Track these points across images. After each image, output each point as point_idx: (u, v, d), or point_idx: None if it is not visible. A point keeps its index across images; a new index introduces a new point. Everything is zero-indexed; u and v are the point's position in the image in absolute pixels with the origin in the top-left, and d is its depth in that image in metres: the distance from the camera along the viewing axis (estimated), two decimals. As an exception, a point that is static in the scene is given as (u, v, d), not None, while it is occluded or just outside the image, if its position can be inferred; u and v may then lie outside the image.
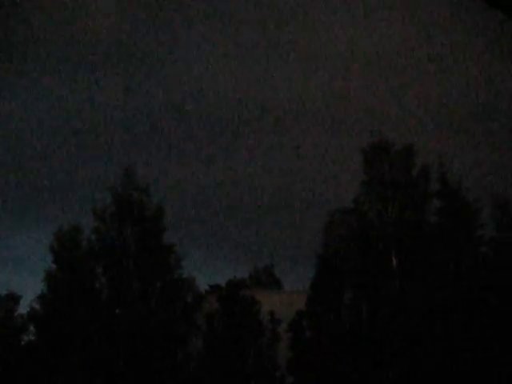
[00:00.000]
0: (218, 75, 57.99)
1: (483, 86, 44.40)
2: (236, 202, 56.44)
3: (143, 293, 37.90)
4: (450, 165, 37.29)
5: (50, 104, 56.21)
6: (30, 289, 44.80)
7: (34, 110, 55.64)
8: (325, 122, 54.50)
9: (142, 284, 38.11)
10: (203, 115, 56.67)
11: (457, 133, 44.87)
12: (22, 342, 39.12)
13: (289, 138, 55.91)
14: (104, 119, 53.91)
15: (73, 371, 35.65)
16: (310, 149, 54.34)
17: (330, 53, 55.45)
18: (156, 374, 36.24)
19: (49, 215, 50.02)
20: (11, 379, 36.33)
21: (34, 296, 38.28)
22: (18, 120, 54.95)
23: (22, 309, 39.35)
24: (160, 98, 57.50)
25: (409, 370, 33.14)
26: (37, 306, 38.20)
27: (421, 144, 39.17)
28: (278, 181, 55.64)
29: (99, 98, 56.69)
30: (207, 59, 57.84)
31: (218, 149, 57.80)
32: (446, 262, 34.89)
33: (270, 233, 56.18)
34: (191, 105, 56.21)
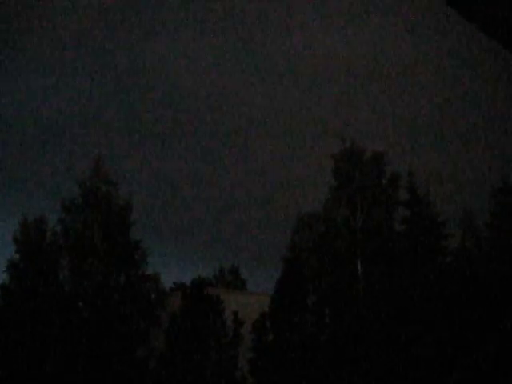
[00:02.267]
0: (194, 73, 57.80)
1: (457, 95, 45.14)
2: (205, 200, 56.32)
3: (106, 287, 37.54)
4: (419, 174, 37.83)
5: (16, 92, 55.37)
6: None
7: (2, 94, 54.67)
8: (296, 127, 54.74)
9: (105, 278, 37.74)
10: (176, 110, 56.41)
11: (429, 143, 45.51)
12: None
13: (261, 140, 56.01)
14: (73, 109, 53.28)
15: (31, 363, 35.12)
16: (282, 152, 54.53)
17: (305, 59, 55.75)
18: (115, 369, 35.91)
19: (13, 205, 49.19)
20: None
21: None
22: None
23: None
24: (130, 89, 57.07)
25: (370, 374, 33.44)
26: (-3, 296, 37.57)
27: (392, 153, 39.65)
28: (248, 181, 55.71)
29: (68, 87, 56.02)
30: (183, 53, 57.61)
31: (187, 146, 57.59)
32: (410, 271, 35.31)
33: (237, 233, 56.17)
34: (165, 98, 55.93)
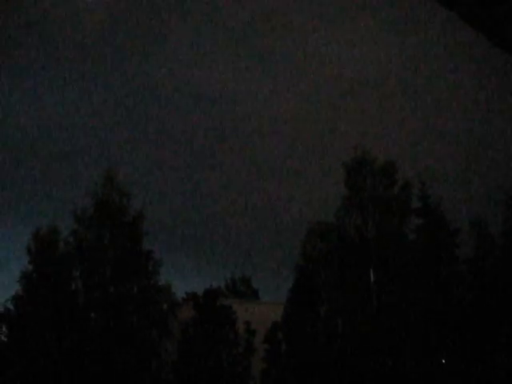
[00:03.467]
0: (204, 85, 58.04)
1: (467, 109, 45.06)
2: (216, 212, 56.36)
3: (119, 298, 37.57)
4: (431, 183, 37.65)
5: (29, 104, 55.79)
6: (3, 288, 44.16)
7: (12, 110, 55.14)
8: (309, 137, 54.78)
9: (118, 288, 37.78)
10: (188, 124, 56.66)
11: (440, 153, 45.39)
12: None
13: (273, 151, 56.06)
14: (86, 120, 53.63)
15: (44, 373, 35.17)
16: (293, 162, 54.54)
17: (318, 73, 55.88)
18: (128, 380, 35.88)
19: (27, 215, 49.51)
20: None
21: (8, 296, 37.84)
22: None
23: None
24: (144, 102, 57.38)
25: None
26: (11, 307, 37.72)
27: (403, 161, 39.54)
28: (260, 190, 55.72)
29: (80, 99, 56.41)
30: (191, 70, 57.90)
31: (200, 158, 57.75)
32: (423, 280, 35.10)
33: (249, 243, 56.14)
34: (177, 113, 56.15)
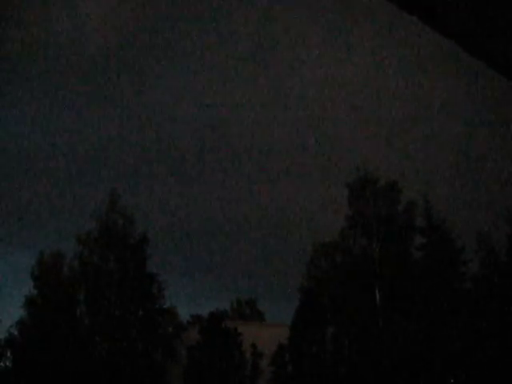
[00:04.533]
0: (202, 107, 58.39)
1: (468, 124, 45.16)
2: (220, 234, 56.32)
3: (124, 321, 37.38)
4: (435, 201, 37.63)
5: (33, 129, 56.13)
6: (8, 314, 44.02)
7: (16, 135, 55.49)
8: (310, 158, 54.93)
9: (123, 312, 37.61)
10: (190, 147, 56.92)
11: (442, 169, 45.40)
12: (-2, 368, 38.25)
13: (275, 172, 56.18)
14: (89, 145, 53.91)
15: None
16: (296, 183, 54.63)
17: (315, 91, 56.20)
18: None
19: (30, 240, 49.53)
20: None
21: (13, 321, 37.67)
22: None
23: (0, 334, 38.62)
24: (145, 126, 57.69)
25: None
26: (15, 332, 37.53)
27: (406, 180, 39.55)
28: (264, 214, 55.71)
29: (84, 124, 56.77)
30: (190, 91, 58.26)
31: (203, 181, 57.89)
32: (429, 298, 34.88)
33: (254, 265, 56.00)
34: (177, 138, 56.40)
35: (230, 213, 55.49)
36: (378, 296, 36.71)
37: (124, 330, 37.11)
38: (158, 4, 55.17)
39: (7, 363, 38.14)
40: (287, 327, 38.12)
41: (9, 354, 37.80)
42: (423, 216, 37.70)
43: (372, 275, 36.90)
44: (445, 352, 32.98)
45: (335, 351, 36.42)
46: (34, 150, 54.50)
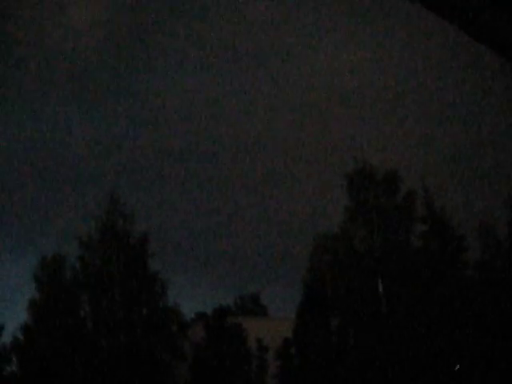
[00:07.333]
0: (200, 103, 58.27)
1: (466, 114, 45.12)
2: (220, 229, 56.27)
3: (128, 321, 37.43)
4: (435, 189, 37.65)
5: (32, 130, 55.97)
6: (12, 318, 43.98)
7: (16, 135, 55.32)
8: (309, 150, 54.83)
9: (127, 312, 37.65)
10: (187, 144, 56.83)
11: (441, 159, 45.37)
12: (4, 373, 38.25)
13: (273, 166, 56.12)
14: (88, 144, 53.76)
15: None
16: (296, 175, 54.54)
17: (313, 83, 56.06)
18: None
19: (33, 243, 49.45)
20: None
21: (17, 325, 37.72)
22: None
23: (5, 338, 38.64)
24: (143, 124, 57.57)
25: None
26: (20, 336, 37.57)
27: (406, 168, 39.51)
28: (263, 207, 55.66)
29: (82, 125, 56.64)
30: (186, 88, 58.13)
31: (202, 176, 57.80)
32: (431, 286, 34.96)
33: (256, 260, 55.99)
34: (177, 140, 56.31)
35: (230, 207, 55.47)
36: (380, 286, 36.80)
37: (128, 330, 37.14)
38: None
39: (13, 368, 38.24)
40: (291, 321, 38.18)
41: (14, 359, 37.88)
42: (423, 205, 37.77)
43: (374, 265, 36.98)
44: (448, 339, 33.05)
45: (340, 342, 36.51)
46: (32, 151, 54.41)
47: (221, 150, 55.20)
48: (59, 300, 37.40)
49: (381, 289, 36.54)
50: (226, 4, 53.61)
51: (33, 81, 51.80)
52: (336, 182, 40.66)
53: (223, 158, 55.47)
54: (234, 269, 54.85)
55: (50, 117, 54.48)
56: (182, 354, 37.66)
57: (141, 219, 39.92)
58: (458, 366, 33.28)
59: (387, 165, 39.16)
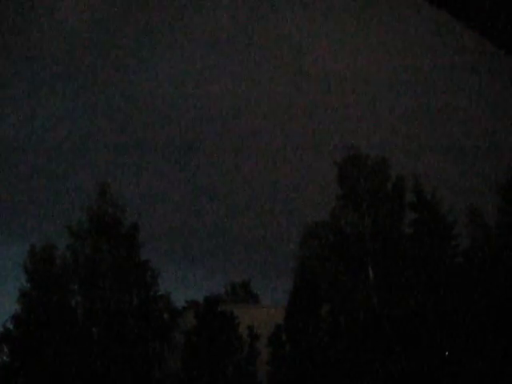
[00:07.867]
0: (194, 88, 58.02)
1: (457, 100, 45.24)
2: (210, 218, 56.30)
3: (119, 310, 37.42)
4: (425, 176, 37.76)
5: (21, 118, 55.64)
6: (3, 308, 43.92)
7: (5, 124, 54.98)
8: (299, 137, 54.85)
9: (118, 301, 37.64)
10: (180, 131, 56.66)
11: (432, 144, 45.52)
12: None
13: (264, 151, 56.08)
14: (77, 134, 53.52)
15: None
16: (286, 162, 54.57)
17: (306, 70, 55.98)
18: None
19: (21, 232, 49.30)
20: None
21: (7, 316, 37.59)
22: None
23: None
24: (131, 111, 57.33)
25: (387, 381, 33.18)
26: (10, 326, 37.45)
27: (396, 156, 39.62)
28: (254, 195, 55.71)
29: (72, 113, 56.34)
30: (181, 72, 57.86)
31: (193, 165, 57.72)
32: (421, 273, 35.14)
33: (247, 248, 56.09)
34: (166, 123, 56.11)
35: (221, 195, 55.46)
36: (370, 272, 36.94)
37: (120, 318, 37.14)
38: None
39: (4, 358, 38.16)
40: (283, 308, 38.31)
41: (5, 349, 37.80)
42: (413, 191, 37.85)
43: (364, 252, 37.10)
44: (439, 325, 33.28)
45: (331, 328, 36.67)
46: (22, 141, 54.08)
47: (209, 138, 55.06)
48: (49, 290, 37.30)
49: (371, 276, 36.69)
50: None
51: (22, 67, 51.33)
52: (327, 171, 40.76)
53: (212, 146, 55.37)
54: (225, 257, 54.96)
55: (36, 103, 54.07)
56: (174, 342, 37.73)
57: (131, 208, 39.93)
58: (446, 353, 33.52)
59: (377, 151, 39.30)
